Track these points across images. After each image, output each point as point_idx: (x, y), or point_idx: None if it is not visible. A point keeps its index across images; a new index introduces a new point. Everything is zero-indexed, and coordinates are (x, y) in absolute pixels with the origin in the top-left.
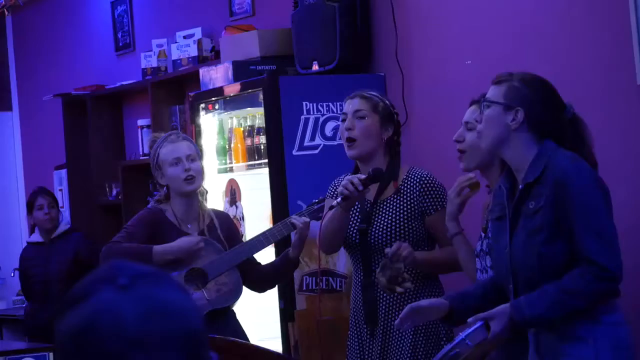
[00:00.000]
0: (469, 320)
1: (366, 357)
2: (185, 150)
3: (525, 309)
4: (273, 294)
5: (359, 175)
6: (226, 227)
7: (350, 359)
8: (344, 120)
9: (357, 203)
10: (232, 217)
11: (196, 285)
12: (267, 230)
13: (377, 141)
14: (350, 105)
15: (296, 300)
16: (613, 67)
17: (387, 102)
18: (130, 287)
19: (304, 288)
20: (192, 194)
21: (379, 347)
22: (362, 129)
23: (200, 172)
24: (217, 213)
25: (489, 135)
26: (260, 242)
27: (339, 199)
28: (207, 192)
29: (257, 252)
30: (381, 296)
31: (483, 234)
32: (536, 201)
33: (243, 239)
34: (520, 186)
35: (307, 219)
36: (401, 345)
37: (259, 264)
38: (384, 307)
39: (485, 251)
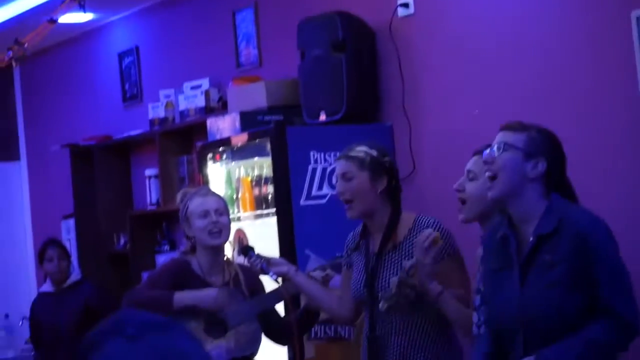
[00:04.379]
0: None
1: None
2: (213, 204)
3: None
4: None
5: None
6: (251, 281)
7: None
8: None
9: (362, 257)
10: None
11: (216, 334)
12: (287, 282)
13: (372, 197)
14: (338, 168)
15: (305, 348)
16: (616, 79)
17: (374, 153)
18: (138, 337)
19: (312, 336)
20: (218, 248)
21: None
22: (353, 191)
23: (227, 227)
24: (243, 267)
25: (504, 182)
26: (279, 293)
27: (272, 275)
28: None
29: (277, 303)
30: (387, 348)
31: (481, 287)
32: (553, 254)
33: None
34: (531, 238)
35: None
36: None
37: (280, 316)
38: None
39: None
